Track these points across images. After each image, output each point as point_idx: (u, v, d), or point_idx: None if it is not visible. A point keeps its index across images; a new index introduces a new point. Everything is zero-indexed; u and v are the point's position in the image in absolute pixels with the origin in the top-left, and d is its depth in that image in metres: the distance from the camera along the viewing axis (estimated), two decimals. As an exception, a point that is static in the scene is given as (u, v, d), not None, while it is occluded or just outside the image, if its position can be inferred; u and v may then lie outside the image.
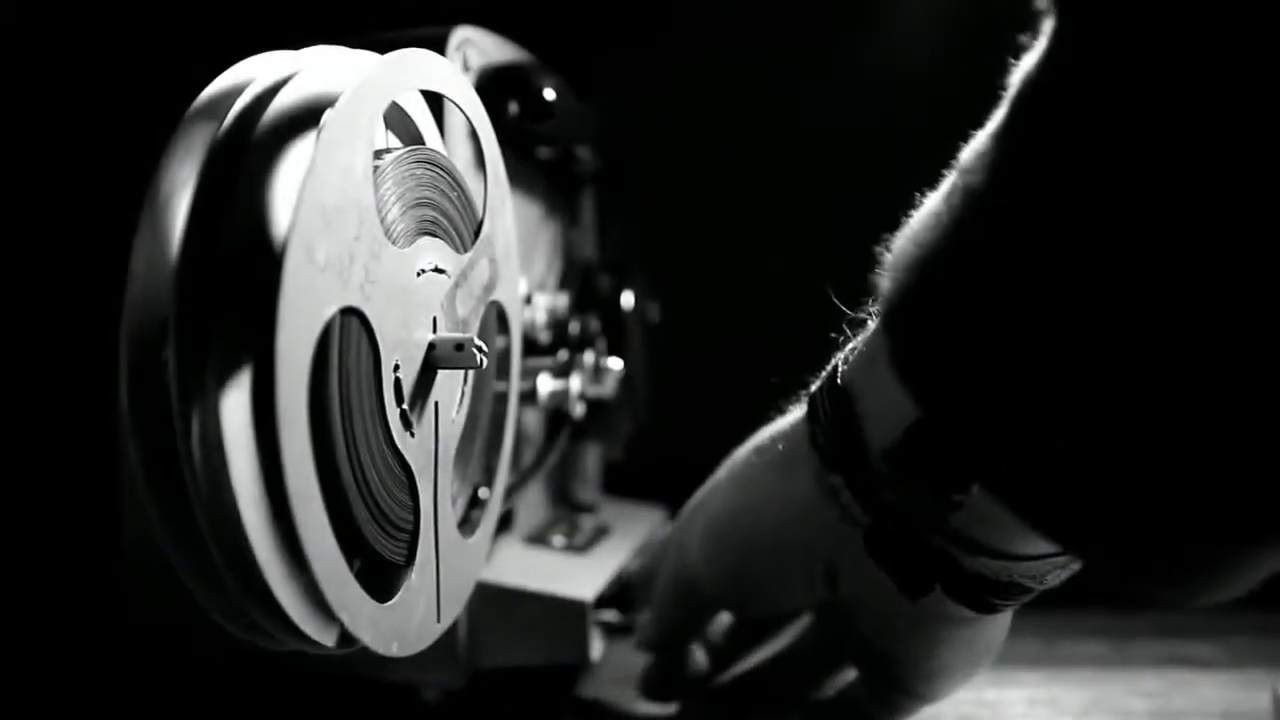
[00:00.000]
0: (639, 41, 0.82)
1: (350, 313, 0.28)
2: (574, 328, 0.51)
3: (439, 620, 0.33)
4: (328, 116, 0.28)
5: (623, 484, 0.66)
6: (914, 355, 0.31)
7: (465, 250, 0.36)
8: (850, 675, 0.45)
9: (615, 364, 0.51)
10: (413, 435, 0.32)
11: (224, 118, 0.28)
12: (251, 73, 0.30)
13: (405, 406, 0.31)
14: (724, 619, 0.47)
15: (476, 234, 0.37)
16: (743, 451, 0.43)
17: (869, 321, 0.37)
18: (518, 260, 0.40)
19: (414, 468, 0.32)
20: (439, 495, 0.33)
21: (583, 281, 0.56)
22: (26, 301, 0.65)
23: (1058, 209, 0.26)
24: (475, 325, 0.36)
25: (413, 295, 0.32)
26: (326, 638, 0.28)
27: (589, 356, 0.50)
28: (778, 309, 0.90)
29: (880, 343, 0.34)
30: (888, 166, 0.85)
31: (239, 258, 0.27)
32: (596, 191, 0.64)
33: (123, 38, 0.67)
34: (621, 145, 0.60)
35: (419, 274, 0.32)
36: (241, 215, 0.27)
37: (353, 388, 0.29)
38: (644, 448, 0.63)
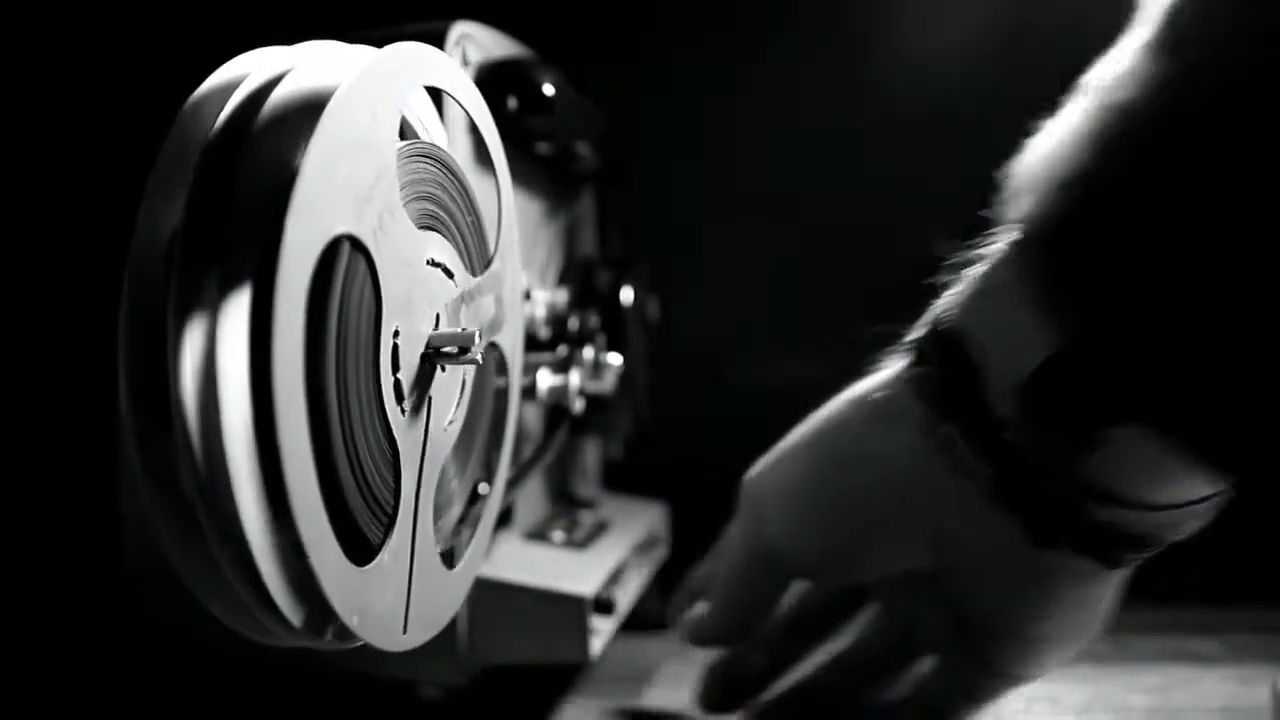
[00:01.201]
0: (639, 39, 0.82)
1: (359, 249, 0.28)
2: (574, 323, 0.51)
3: (404, 632, 0.32)
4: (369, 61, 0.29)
5: (622, 480, 0.66)
6: (1068, 280, 0.29)
7: (473, 273, 0.36)
8: (920, 670, 0.43)
9: (615, 360, 0.51)
10: (403, 412, 0.31)
11: (218, 113, 0.28)
12: (246, 69, 0.30)
13: (400, 377, 0.31)
14: (780, 616, 0.44)
15: (486, 265, 0.37)
16: (827, 412, 0.40)
17: (973, 261, 0.34)
18: (521, 311, 0.40)
19: (400, 448, 0.31)
20: (420, 495, 0.33)
21: (583, 277, 0.56)
22: (26, 301, 0.65)
23: (1230, 119, 0.25)
24: (471, 375, 0.36)
25: (419, 276, 0.32)
26: (295, 614, 0.28)
27: (588, 352, 0.50)
28: (777, 308, 0.90)
29: (1009, 276, 0.32)
30: (888, 165, 0.85)
31: (253, 174, 0.27)
32: (597, 187, 0.64)
33: (117, 36, 0.67)
34: (621, 141, 0.60)
35: (427, 263, 0.32)
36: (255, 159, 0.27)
37: (351, 329, 0.29)
38: (643, 445, 0.63)
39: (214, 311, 0.26)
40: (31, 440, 0.64)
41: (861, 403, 0.38)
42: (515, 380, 0.40)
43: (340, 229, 0.27)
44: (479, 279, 0.36)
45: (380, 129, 0.29)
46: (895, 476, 0.36)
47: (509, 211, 0.39)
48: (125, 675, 0.53)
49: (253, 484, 0.26)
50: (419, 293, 0.32)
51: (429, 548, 0.33)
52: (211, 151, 0.28)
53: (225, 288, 0.26)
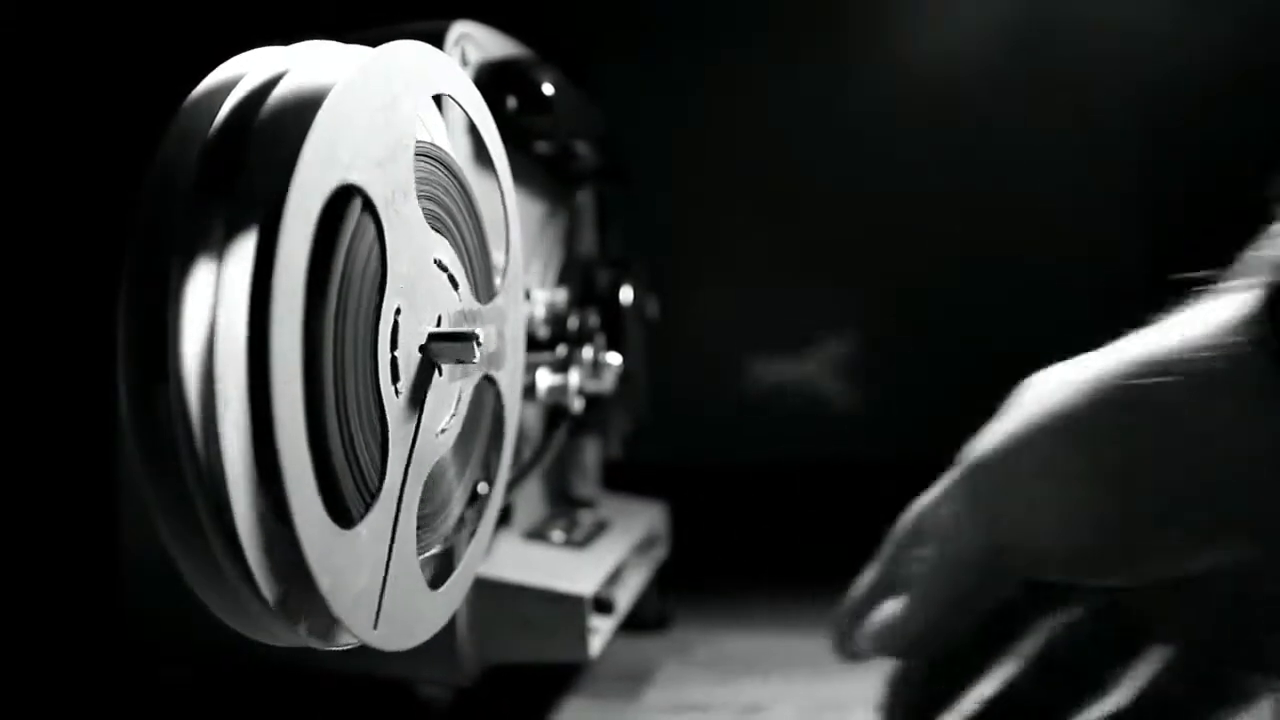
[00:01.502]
0: (639, 39, 0.82)
1: (369, 211, 0.29)
2: (573, 323, 0.51)
3: (374, 626, 0.30)
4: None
5: (621, 479, 0.66)
6: None
7: (476, 296, 0.36)
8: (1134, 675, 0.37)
9: (614, 359, 0.51)
10: (397, 393, 0.31)
11: (217, 113, 0.29)
12: (243, 69, 0.30)
13: (397, 355, 0.31)
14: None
15: (491, 297, 0.37)
16: (1101, 379, 0.33)
17: None
18: (523, 350, 0.41)
19: (390, 430, 0.31)
20: (405, 488, 0.32)
21: (582, 277, 0.56)
22: (26, 301, 0.65)
23: None
24: (469, 389, 0.36)
25: (426, 270, 0.32)
26: (269, 589, 0.27)
27: (588, 352, 0.50)
28: (778, 307, 0.90)
29: None
30: (889, 164, 0.85)
31: (268, 126, 0.28)
32: (596, 187, 0.64)
33: (114, 36, 0.67)
34: (621, 141, 0.60)
35: (434, 262, 0.32)
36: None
37: (354, 286, 0.29)
38: (642, 445, 0.63)
39: (220, 248, 0.26)
40: (32, 441, 0.64)
41: (1173, 366, 0.32)
42: (513, 418, 0.40)
43: (352, 178, 0.28)
44: (483, 307, 0.36)
45: (401, 109, 0.30)
46: (1219, 455, 0.31)
47: (516, 252, 0.39)
48: (124, 675, 0.53)
49: (242, 417, 0.26)
50: (424, 286, 0.32)
51: (409, 548, 0.33)
52: (220, 128, 0.29)
53: (232, 225, 0.27)
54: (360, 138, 0.28)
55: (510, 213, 0.39)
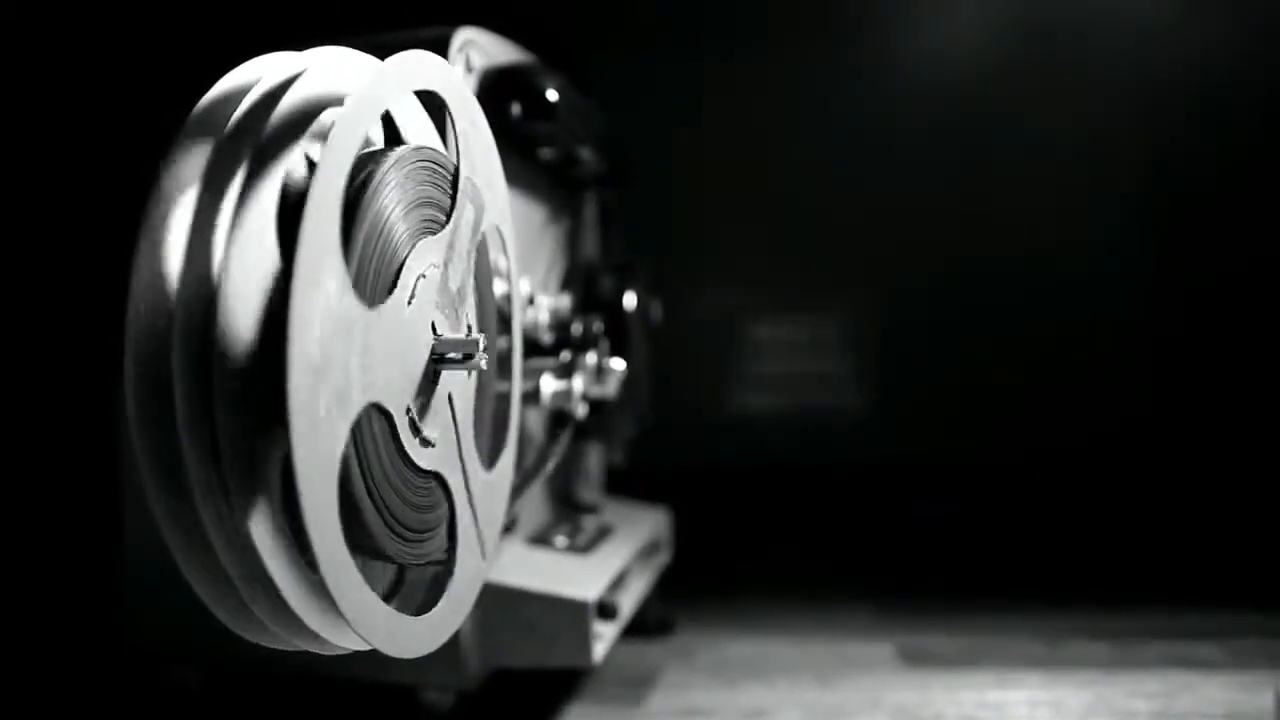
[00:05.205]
0: (640, 43, 0.82)
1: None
2: (577, 329, 0.51)
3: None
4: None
5: (625, 485, 0.66)
6: None
7: (448, 219, 0.34)
8: None
9: (618, 364, 0.51)
10: (433, 445, 0.32)
11: (230, 117, 0.29)
12: (257, 73, 0.30)
13: (423, 431, 0.32)
14: None
15: (454, 185, 0.35)
16: None
17: None
18: (505, 189, 0.38)
19: (442, 472, 0.32)
20: (468, 478, 0.33)
21: (586, 283, 0.56)
22: (27, 303, 0.66)
23: None
24: (470, 289, 0.35)
25: (408, 331, 0.31)
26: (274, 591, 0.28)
27: (591, 357, 0.50)
28: (781, 312, 0.90)
29: None
30: (890, 165, 0.85)
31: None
32: (599, 193, 0.64)
33: (129, 37, 0.67)
34: (624, 146, 0.60)
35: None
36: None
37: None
38: (645, 450, 0.63)
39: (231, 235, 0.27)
40: (32, 441, 0.64)
41: None
42: (512, 275, 0.40)
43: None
44: (453, 216, 0.34)
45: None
46: None
47: (468, 115, 0.36)
48: (126, 676, 0.53)
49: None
50: (410, 343, 0.32)
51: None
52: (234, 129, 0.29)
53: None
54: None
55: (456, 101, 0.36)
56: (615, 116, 0.58)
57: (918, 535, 0.83)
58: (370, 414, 0.29)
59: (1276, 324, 0.89)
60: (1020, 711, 0.48)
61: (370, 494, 0.29)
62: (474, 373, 0.36)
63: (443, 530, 0.33)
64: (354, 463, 0.28)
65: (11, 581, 0.63)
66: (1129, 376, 0.92)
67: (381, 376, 0.29)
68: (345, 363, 0.27)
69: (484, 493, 0.35)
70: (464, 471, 0.33)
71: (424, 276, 0.32)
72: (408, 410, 0.31)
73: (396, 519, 0.30)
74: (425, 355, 0.32)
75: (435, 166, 0.34)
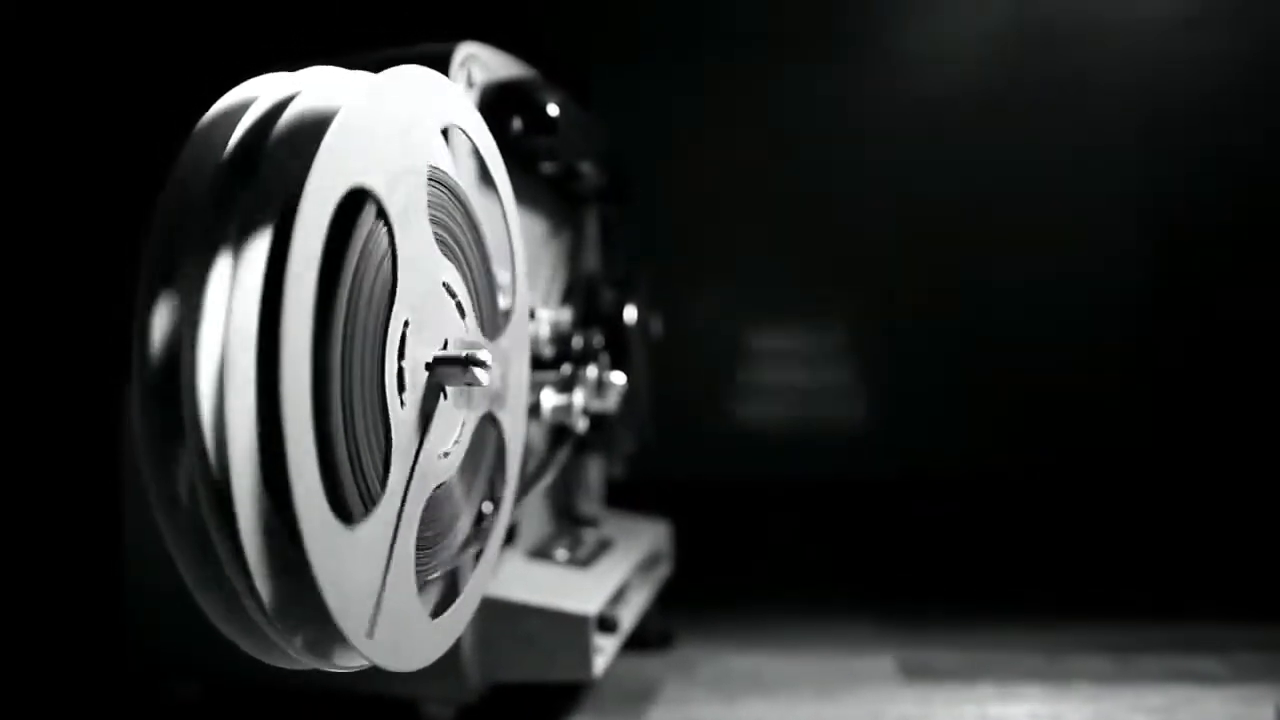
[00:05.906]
0: (639, 43, 0.82)
1: (383, 219, 0.30)
2: (577, 342, 0.51)
3: (369, 634, 0.30)
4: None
5: (625, 498, 0.66)
6: None
7: (481, 329, 0.36)
8: None
9: (618, 378, 0.51)
10: (402, 403, 0.32)
11: (232, 132, 0.29)
12: (256, 91, 0.30)
13: (404, 365, 0.32)
14: None
15: (496, 335, 0.37)
16: None
17: None
18: (525, 402, 0.40)
19: (394, 436, 0.31)
20: (406, 505, 0.32)
21: (586, 296, 0.56)
22: (29, 304, 0.66)
23: None
24: (473, 421, 0.36)
25: (435, 290, 0.32)
26: (269, 595, 0.27)
27: (592, 371, 0.51)
28: (782, 323, 0.90)
29: None
30: (891, 167, 0.85)
31: (285, 132, 0.29)
32: (600, 206, 0.64)
33: (127, 56, 0.68)
34: (625, 159, 0.61)
35: (443, 285, 0.33)
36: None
37: (365, 286, 0.29)
38: (645, 463, 0.63)
39: (234, 252, 0.27)
40: (33, 442, 0.64)
41: None
42: (515, 458, 0.40)
43: (366, 182, 0.29)
44: (489, 343, 0.37)
45: (414, 132, 0.31)
46: None
47: (523, 295, 0.40)
48: (128, 691, 0.53)
49: (250, 409, 0.26)
50: (432, 305, 0.33)
51: (409, 565, 0.33)
52: (236, 146, 0.29)
53: (246, 228, 0.27)
54: (374, 149, 0.29)
55: (517, 253, 0.40)
56: (615, 117, 0.58)
57: (918, 549, 0.83)
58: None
59: (1277, 338, 0.89)
60: (1021, 725, 0.48)
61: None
62: (459, 443, 0.36)
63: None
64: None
65: (9, 589, 0.63)
66: (1131, 389, 0.92)
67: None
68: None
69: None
70: (402, 507, 0.33)
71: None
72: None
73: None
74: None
75: (443, 188, 0.34)
